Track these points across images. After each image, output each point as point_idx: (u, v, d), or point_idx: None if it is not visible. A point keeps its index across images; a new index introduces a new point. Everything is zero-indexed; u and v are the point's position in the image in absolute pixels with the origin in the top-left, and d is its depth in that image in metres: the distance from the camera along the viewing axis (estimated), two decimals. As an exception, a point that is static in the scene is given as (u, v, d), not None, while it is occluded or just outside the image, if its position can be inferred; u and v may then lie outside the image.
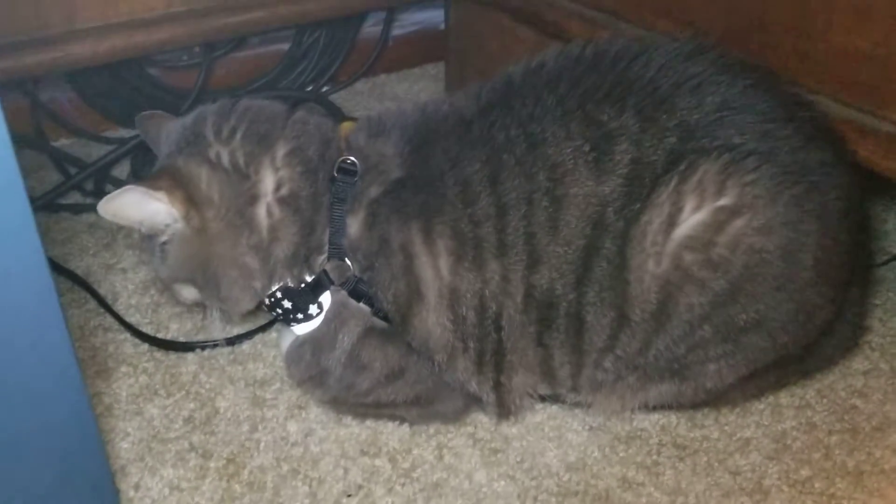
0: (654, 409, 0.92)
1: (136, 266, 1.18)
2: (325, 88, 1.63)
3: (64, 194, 1.33)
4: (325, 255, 0.86)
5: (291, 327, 0.91)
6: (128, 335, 1.06)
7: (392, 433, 0.92)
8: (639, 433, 0.92)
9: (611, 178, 0.80)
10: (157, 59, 1.49)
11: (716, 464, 0.88)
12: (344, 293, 0.86)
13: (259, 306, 0.92)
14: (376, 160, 0.85)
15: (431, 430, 0.93)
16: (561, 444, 0.91)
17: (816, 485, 0.86)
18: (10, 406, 0.64)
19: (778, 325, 0.83)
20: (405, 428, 0.93)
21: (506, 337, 0.85)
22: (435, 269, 0.83)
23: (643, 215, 0.80)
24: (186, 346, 1.04)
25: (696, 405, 0.92)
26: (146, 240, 0.89)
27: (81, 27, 1.26)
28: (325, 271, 0.86)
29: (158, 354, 1.04)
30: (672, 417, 0.93)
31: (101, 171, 1.36)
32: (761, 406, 0.95)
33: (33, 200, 0.61)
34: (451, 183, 0.83)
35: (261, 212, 0.85)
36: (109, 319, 1.09)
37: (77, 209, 1.29)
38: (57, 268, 1.15)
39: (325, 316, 0.88)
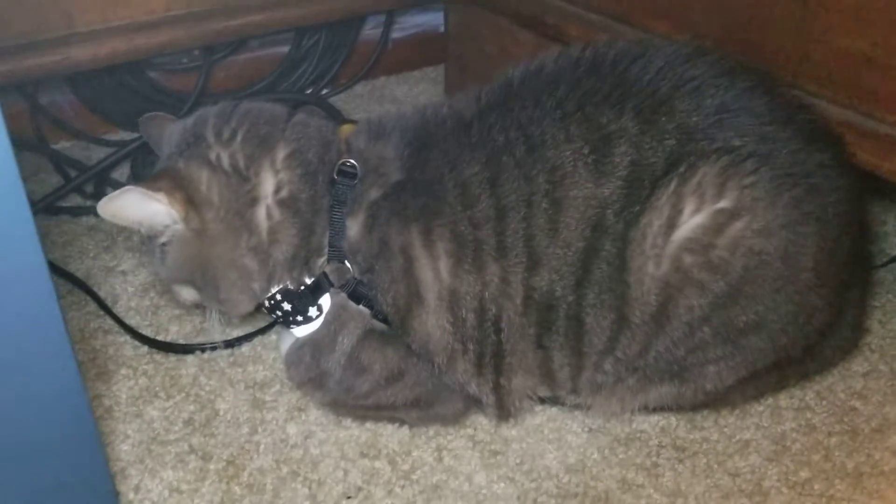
0: (654, 410, 0.92)
1: (135, 269, 1.18)
2: (324, 91, 1.63)
3: (64, 197, 1.33)
4: (324, 258, 0.86)
5: (291, 329, 0.91)
6: (128, 337, 1.06)
7: (392, 435, 0.93)
8: (638, 435, 0.92)
9: (610, 181, 0.80)
10: (157, 62, 1.49)
11: (715, 465, 0.88)
12: (343, 295, 0.86)
13: (259, 308, 0.92)
14: (376, 163, 0.86)
15: (431, 432, 0.93)
16: (560, 445, 0.91)
17: (816, 486, 0.86)
18: (10, 408, 0.64)
19: (777, 327, 0.83)
20: (405, 430, 0.93)
21: (505, 339, 0.85)
22: (435, 271, 0.83)
23: (643, 217, 0.80)
24: (186, 349, 1.04)
25: (695, 407, 0.92)
26: (146, 241, 0.89)
27: (81, 30, 1.27)
28: (324, 273, 0.86)
29: (158, 357, 1.04)
30: (671, 419, 0.94)
31: (101, 174, 1.36)
32: (761, 408, 0.95)
33: (33, 203, 0.61)
34: (451, 185, 0.83)
35: (260, 214, 0.85)
36: (109, 322, 1.09)
37: (77, 212, 1.29)
38: (57, 270, 1.14)
39: (325, 318, 0.88)
